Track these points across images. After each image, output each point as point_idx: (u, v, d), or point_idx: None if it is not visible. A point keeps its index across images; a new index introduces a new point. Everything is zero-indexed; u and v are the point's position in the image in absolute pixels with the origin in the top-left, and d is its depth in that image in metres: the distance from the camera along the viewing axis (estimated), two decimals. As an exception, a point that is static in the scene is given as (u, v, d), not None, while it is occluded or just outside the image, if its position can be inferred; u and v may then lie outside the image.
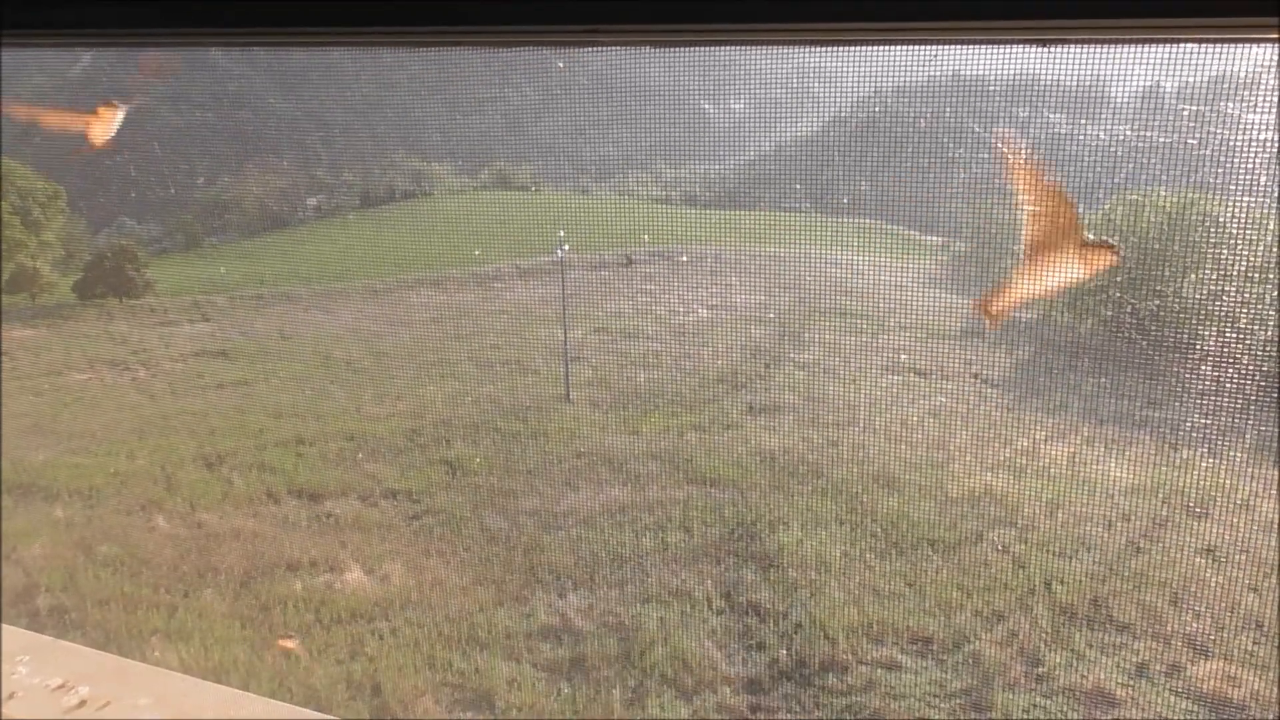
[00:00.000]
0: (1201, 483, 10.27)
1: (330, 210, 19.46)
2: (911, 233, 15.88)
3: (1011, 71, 12.44)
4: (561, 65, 14.06)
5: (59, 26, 1.77)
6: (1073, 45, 1.36)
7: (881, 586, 9.95)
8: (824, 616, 9.56)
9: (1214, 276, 9.47)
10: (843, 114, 15.57)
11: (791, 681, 8.88)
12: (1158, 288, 10.96)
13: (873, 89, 15.02)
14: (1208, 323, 9.31)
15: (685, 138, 16.38)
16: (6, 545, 11.39)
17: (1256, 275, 8.84)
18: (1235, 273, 9.05)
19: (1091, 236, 2.12)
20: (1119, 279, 11.57)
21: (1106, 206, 12.08)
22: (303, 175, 19.18)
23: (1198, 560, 9.72)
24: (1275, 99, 8.09)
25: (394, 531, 11.49)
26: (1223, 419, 9.42)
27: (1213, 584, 9.47)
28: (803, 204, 16.63)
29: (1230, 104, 8.40)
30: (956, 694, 8.62)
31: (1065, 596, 9.53)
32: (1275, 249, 8.72)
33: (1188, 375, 9.59)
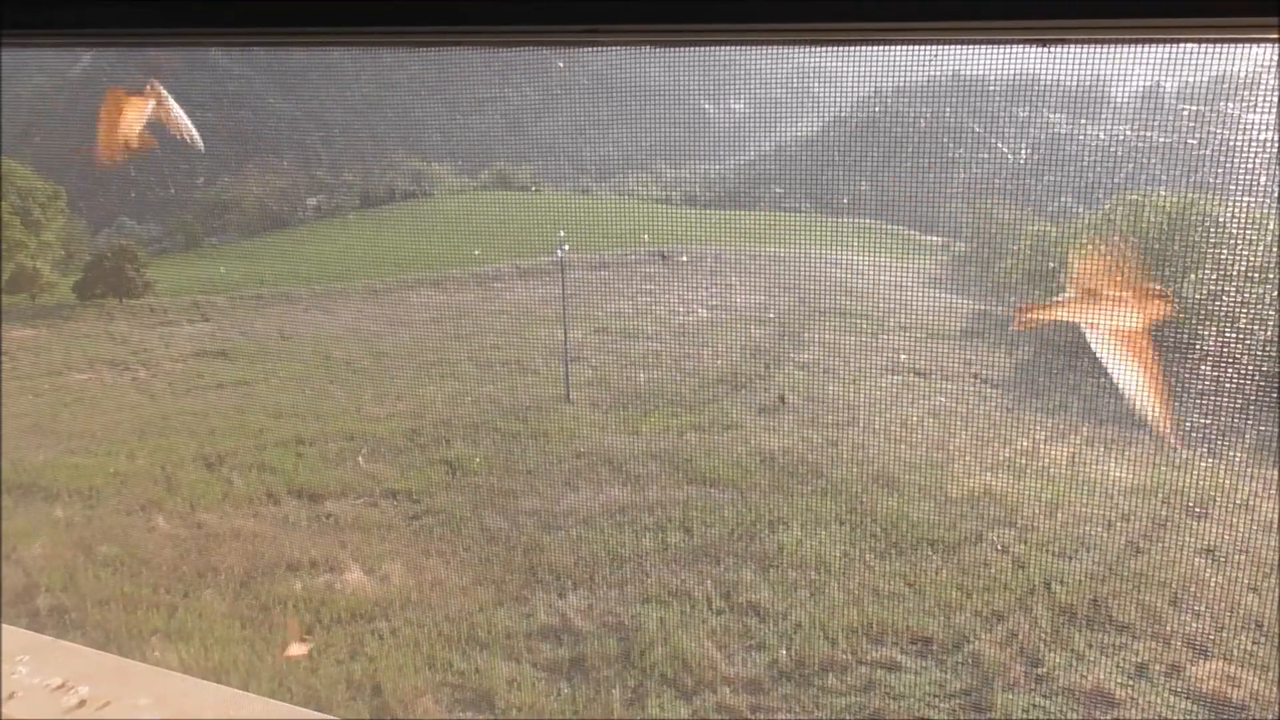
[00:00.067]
0: (1201, 483, 10.27)
1: (330, 210, 19.46)
2: (911, 233, 15.89)
3: (1011, 71, 12.45)
4: (562, 65, 14.06)
5: (59, 26, 1.77)
6: (1073, 45, 1.36)
7: (881, 587, 9.95)
8: (824, 617, 9.56)
9: (1214, 276, 9.47)
10: (843, 114, 15.57)
11: (791, 681, 8.88)
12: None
13: (873, 89, 15.03)
14: (1208, 323, 9.31)
15: (685, 138, 16.38)
16: (6, 545, 11.39)
17: (1256, 275, 8.84)
18: (1235, 273, 9.05)
19: (1153, 286, 2.11)
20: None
21: (1106, 206, 12.08)
22: (303, 175, 19.18)
23: (1198, 560, 9.73)
24: (1275, 99, 8.10)
25: (394, 531, 11.49)
26: (1223, 419, 9.42)
27: (1213, 584, 9.47)
28: (803, 204, 16.63)
29: (1230, 104, 8.40)
30: (956, 694, 8.62)
31: (1065, 597, 9.53)
32: (1275, 249, 8.72)
33: (1187, 375, 9.59)
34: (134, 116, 2.61)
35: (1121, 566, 9.84)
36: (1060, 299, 2.26)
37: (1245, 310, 8.79)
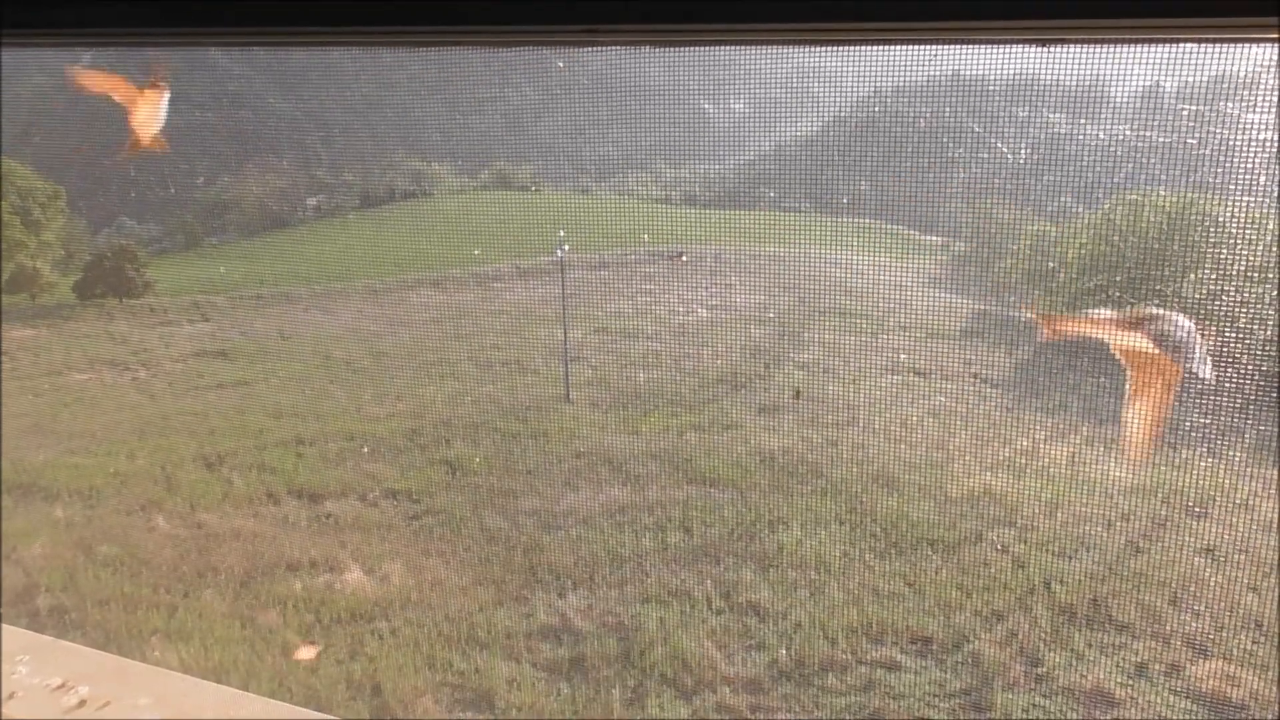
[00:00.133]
0: (1201, 482, 10.27)
1: (330, 210, 19.45)
2: (911, 232, 15.89)
3: (1011, 71, 12.46)
4: (561, 65, 14.06)
5: (59, 26, 1.77)
6: (1073, 45, 1.36)
7: (881, 586, 9.95)
8: (824, 616, 9.56)
9: (1214, 276, 9.47)
10: (843, 114, 15.58)
11: (791, 681, 8.88)
12: (1157, 287, 10.96)
13: (873, 89, 15.03)
14: (1207, 322, 9.30)
15: (685, 137, 16.38)
16: (6, 545, 11.39)
17: (1256, 275, 8.84)
18: (1235, 272, 9.05)
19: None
20: (1119, 278, 11.58)
21: (1106, 206, 12.09)
22: (303, 175, 19.18)
23: (1197, 560, 9.73)
24: (1275, 99, 8.10)
25: (394, 531, 11.49)
26: (1222, 419, 9.41)
27: (1212, 584, 9.47)
28: (803, 204, 16.64)
29: (1230, 104, 8.40)
30: (956, 694, 8.62)
31: (1065, 596, 9.53)
32: (1275, 248, 8.73)
33: (1187, 375, 9.58)
34: (150, 110, 2.56)
35: (1121, 566, 9.84)
36: (1096, 315, 2.25)
37: (1245, 310, 8.79)
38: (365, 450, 13.08)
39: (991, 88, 12.44)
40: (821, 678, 8.86)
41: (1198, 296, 9.79)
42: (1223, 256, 9.36)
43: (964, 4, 1.29)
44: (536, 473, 12.49)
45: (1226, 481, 10.10)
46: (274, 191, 18.82)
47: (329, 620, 9.94)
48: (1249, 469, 9.78)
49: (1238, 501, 9.87)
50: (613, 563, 10.60)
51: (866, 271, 15.75)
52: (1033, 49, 1.35)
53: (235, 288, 17.78)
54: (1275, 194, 8.11)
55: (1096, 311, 2.30)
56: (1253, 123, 8.11)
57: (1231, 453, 9.88)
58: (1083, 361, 12.67)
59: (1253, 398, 8.86)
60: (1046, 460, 11.56)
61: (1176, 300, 10.48)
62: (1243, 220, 8.89)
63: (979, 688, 8.63)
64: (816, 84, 14.96)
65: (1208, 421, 9.48)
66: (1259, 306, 8.75)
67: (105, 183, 18.79)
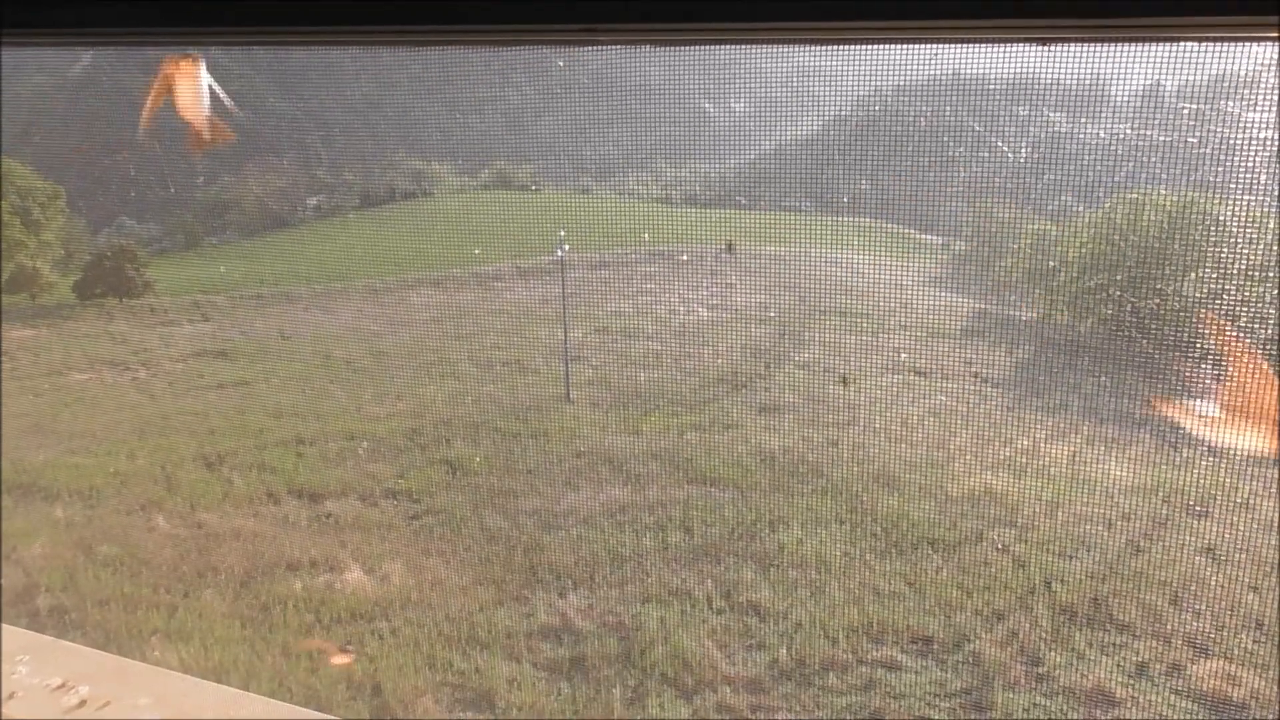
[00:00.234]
0: (1202, 482, 10.27)
1: (330, 210, 19.47)
2: (912, 232, 15.89)
3: (1012, 71, 12.45)
4: (562, 64, 14.06)
5: (59, 26, 1.77)
6: (1073, 44, 1.36)
7: (881, 586, 9.95)
8: (824, 616, 9.56)
9: (1214, 275, 9.47)
10: (843, 113, 15.58)
11: (791, 681, 8.88)
12: (1158, 286, 10.97)
13: (873, 88, 15.03)
14: (1208, 321, 9.31)
15: (686, 137, 16.38)
16: (6, 545, 11.39)
17: (1257, 274, 8.84)
18: (1235, 271, 9.05)
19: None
20: (1119, 278, 11.58)
21: (1107, 205, 12.09)
22: (303, 175, 19.19)
23: (1198, 560, 9.72)
24: (1275, 98, 8.09)
25: (394, 531, 11.50)
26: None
27: (1213, 584, 9.47)
28: (803, 203, 16.63)
29: (1230, 103, 8.40)
30: (957, 694, 8.62)
31: (1065, 596, 9.53)
32: (1275, 247, 8.72)
33: (1188, 374, 9.59)
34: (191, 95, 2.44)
35: (1122, 566, 9.84)
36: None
37: (1246, 309, 8.79)
38: (364, 446, 13.08)
39: (992, 87, 12.43)
40: (822, 677, 8.86)
41: (1198, 295, 9.79)
42: (1223, 255, 9.36)
43: (964, 3, 1.29)
44: (537, 472, 12.49)
45: (1227, 481, 10.10)
46: (274, 191, 18.83)
47: (329, 620, 9.94)
48: (1249, 468, 9.77)
49: (1238, 501, 9.87)
50: (613, 562, 10.60)
51: (867, 271, 15.75)
52: (1033, 48, 1.34)
53: (235, 287, 17.79)
54: (1276, 193, 8.11)
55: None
56: (1253, 121, 8.10)
57: (1232, 452, 9.89)
58: (1083, 361, 12.68)
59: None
60: (1047, 460, 11.56)
61: (1177, 299, 10.49)
62: (1243, 219, 8.89)
63: (979, 687, 8.63)
64: (816, 84, 14.96)
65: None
66: (1259, 305, 8.75)
67: (105, 183, 18.79)
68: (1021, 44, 1.38)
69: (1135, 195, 11.43)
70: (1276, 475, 9.57)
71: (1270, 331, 8.60)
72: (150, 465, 13.14)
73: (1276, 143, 8.04)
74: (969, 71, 12.79)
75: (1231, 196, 8.90)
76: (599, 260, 17.42)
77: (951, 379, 13.51)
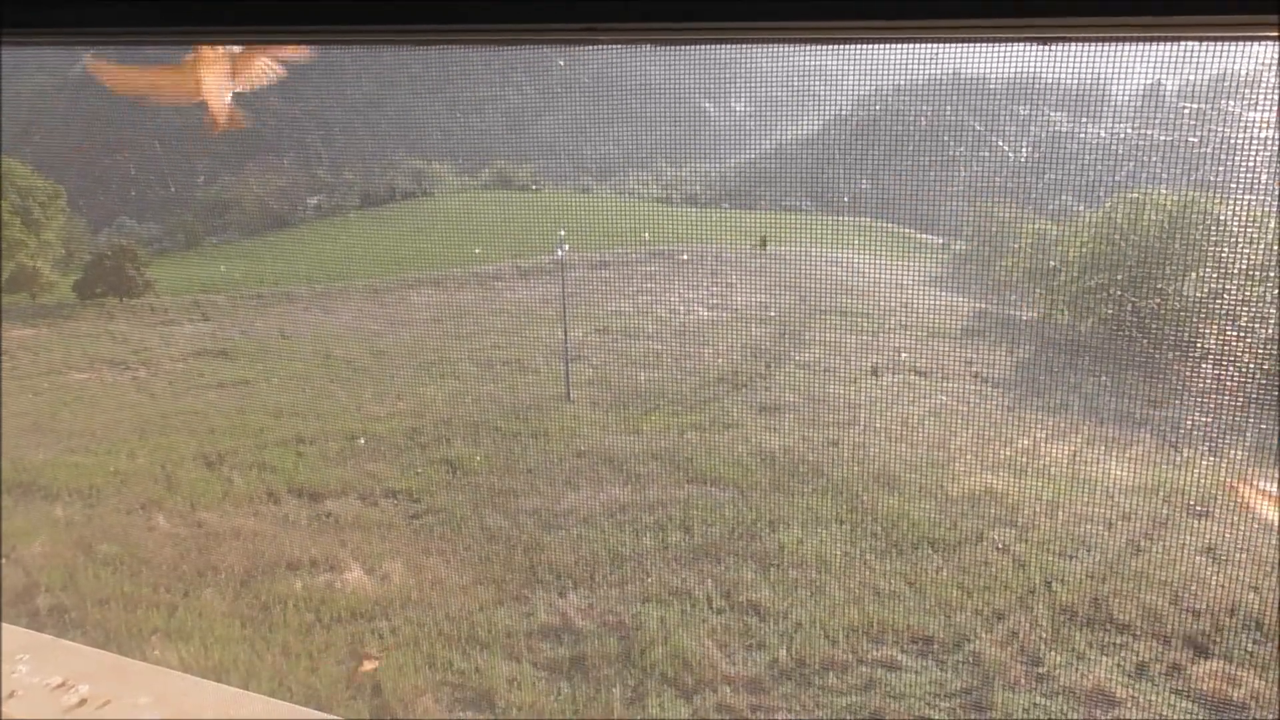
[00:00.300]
0: (1202, 482, 10.27)
1: (331, 209, 19.46)
2: (912, 231, 15.89)
3: (1012, 70, 12.45)
4: (563, 64, 14.05)
5: (59, 26, 1.77)
6: (1073, 43, 1.36)
7: (881, 586, 9.95)
8: (824, 616, 9.56)
9: (1215, 275, 9.47)
10: (843, 113, 15.57)
11: (791, 681, 8.88)
12: (1159, 286, 10.96)
13: (872, 88, 15.03)
14: (1209, 321, 9.31)
15: (686, 137, 16.37)
16: (6, 545, 11.40)
17: (1257, 273, 8.84)
18: (1236, 271, 9.05)
19: None
20: (1120, 277, 11.57)
21: (1108, 205, 12.08)
22: (303, 174, 19.19)
23: (1198, 559, 9.72)
24: (1276, 97, 8.09)
25: (394, 530, 11.50)
26: (1224, 417, 9.41)
27: (1213, 583, 9.47)
28: (803, 203, 16.63)
29: (1231, 102, 8.40)
30: (957, 693, 8.62)
31: (1065, 596, 9.53)
32: (1276, 247, 8.72)
33: (1189, 374, 9.59)
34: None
35: (1122, 566, 9.84)
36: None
37: (1246, 308, 8.79)
38: (362, 443, 13.07)
39: (992, 86, 12.43)
40: (822, 677, 8.87)
41: (1199, 295, 9.79)
42: (1224, 255, 9.35)
43: (964, 3, 1.29)
44: (537, 472, 12.49)
45: (1228, 480, 10.10)
46: (274, 190, 18.83)
47: (329, 619, 9.94)
48: (1249, 468, 9.77)
49: (1238, 500, 9.86)
50: (613, 562, 10.60)
51: (867, 270, 15.75)
52: (1033, 47, 1.34)
53: (236, 287, 17.79)
54: (1276, 193, 8.10)
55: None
56: (1254, 121, 8.10)
57: (1232, 451, 9.89)
58: (1084, 361, 12.67)
59: (1254, 396, 8.86)
60: (1047, 460, 11.56)
61: (1178, 299, 10.48)
62: (1244, 219, 8.88)
63: (979, 687, 8.63)
64: (816, 83, 14.94)
65: (1209, 420, 9.47)
66: (1260, 305, 8.75)
67: (105, 182, 18.79)
68: (1021, 44, 1.38)
69: (1136, 195, 11.43)
70: (1277, 475, 9.57)
71: (1270, 331, 8.59)
72: (150, 464, 13.15)
73: (1277, 142, 8.04)
74: (969, 71, 12.79)
75: (1232, 196, 8.90)
76: (599, 260, 17.41)
77: (952, 379, 13.51)
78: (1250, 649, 8.72)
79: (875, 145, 14.69)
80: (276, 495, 12.32)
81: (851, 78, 14.13)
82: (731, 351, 15.09)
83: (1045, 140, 12.30)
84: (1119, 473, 11.08)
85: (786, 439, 12.57)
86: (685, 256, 17.25)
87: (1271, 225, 8.67)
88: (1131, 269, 11.46)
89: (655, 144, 17.96)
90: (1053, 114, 11.84)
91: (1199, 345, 9.56)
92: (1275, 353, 8.47)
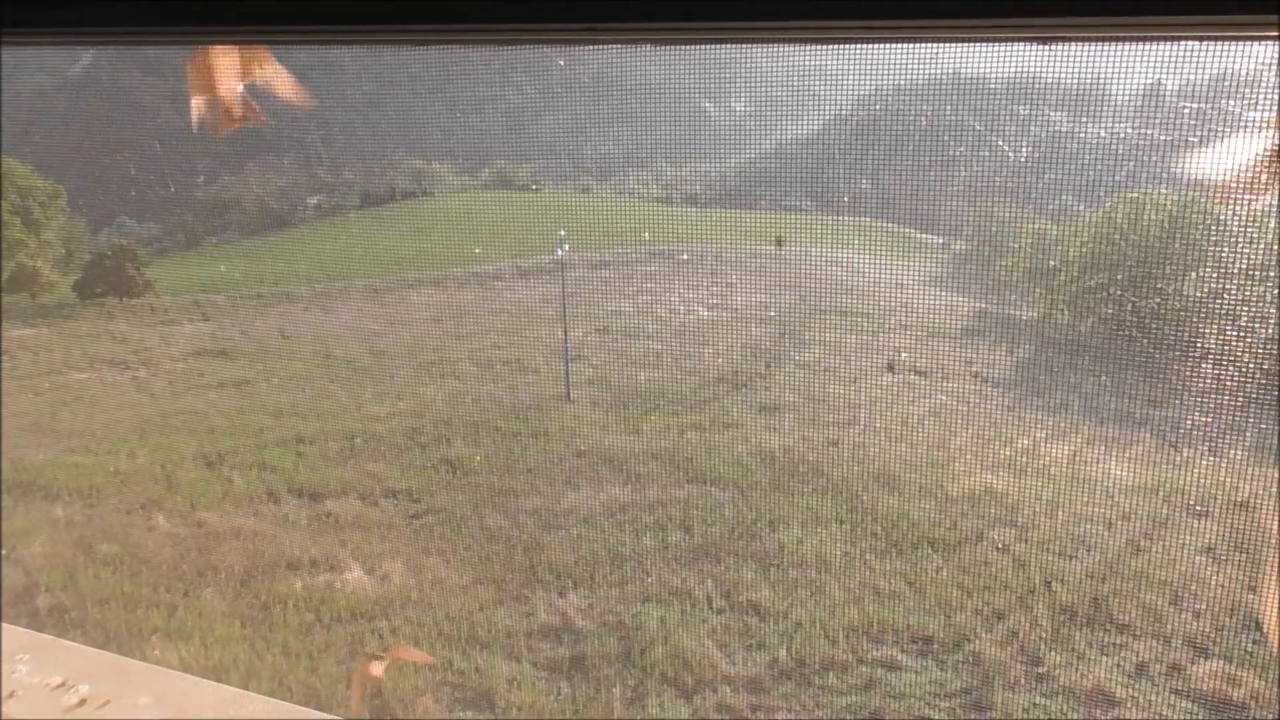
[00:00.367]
0: (1202, 481, 10.27)
1: (331, 209, 19.47)
2: (912, 231, 15.89)
3: (1012, 70, 12.45)
4: (563, 63, 14.05)
5: (59, 26, 1.77)
6: (1073, 43, 1.35)
7: (881, 586, 9.95)
8: (824, 616, 9.56)
9: (1215, 274, 9.47)
10: (843, 113, 15.58)
11: (791, 681, 8.88)
12: (1159, 286, 10.97)
13: (872, 88, 15.04)
14: (1209, 321, 9.31)
15: (686, 136, 16.37)
16: (6, 545, 11.40)
17: (1257, 273, 8.84)
18: (1236, 271, 9.05)
19: None
20: (1120, 277, 11.57)
21: (1108, 205, 12.08)
22: (303, 174, 19.19)
23: (1198, 559, 9.72)
24: (1276, 97, 8.09)
25: (394, 530, 11.50)
26: (1224, 417, 9.41)
27: (1213, 583, 9.47)
28: (803, 203, 16.63)
29: (1231, 102, 8.40)
30: (956, 693, 8.62)
31: (1065, 596, 9.53)
32: (1276, 247, 8.72)
33: (1189, 373, 9.59)
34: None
35: (1122, 565, 9.84)
36: None
37: (1246, 308, 8.79)
38: (360, 442, 13.07)
39: (992, 86, 12.44)
40: (822, 677, 8.87)
41: (1198, 295, 9.79)
42: (1224, 255, 9.35)
43: (964, 3, 1.29)
44: (537, 472, 12.49)
45: (1227, 480, 10.10)
46: (274, 190, 18.83)
47: (329, 619, 9.94)
48: (1249, 468, 9.77)
49: (1238, 500, 9.86)
50: (613, 562, 10.60)
51: (867, 270, 15.75)
52: (1033, 48, 1.34)
53: (236, 287, 17.79)
54: (1276, 192, 8.10)
55: None
56: (1254, 121, 8.10)
57: (1232, 451, 9.89)
58: (1084, 360, 12.67)
59: (1254, 396, 8.86)
60: (1047, 460, 11.56)
61: (1178, 299, 10.49)
62: (1244, 219, 8.89)
63: (979, 687, 8.63)
64: (816, 83, 14.94)
65: (1209, 420, 9.48)
66: (1260, 305, 8.75)
67: (105, 182, 18.80)
68: (1021, 44, 1.38)
69: (1136, 195, 11.44)
70: (1277, 475, 9.57)
71: (1270, 331, 8.59)
72: (150, 464, 13.15)
73: (1277, 142, 8.04)
74: (969, 71, 12.80)
75: (1232, 196, 8.90)
76: (599, 260, 17.41)
77: (951, 379, 13.51)
78: (1250, 649, 8.72)
79: (875, 145, 14.69)
80: (276, 495, 12.32)
81: (851, 78, 14.14)
82: (731, 351, 15.10)
83: (1045, 140, 12.30)
84: (1119, 472, 11.08)
85: (786, 439, 12.57)
86: (685, 256, 17.25)
87: (1271, 225, 8.67)
88: (1131, 269, 11.47)
89: (655, 144, 17.96)
90: (1053, 114, 11.84)
91: (1199, 345, 9.56)
92: (1275, 353, 8.47)
